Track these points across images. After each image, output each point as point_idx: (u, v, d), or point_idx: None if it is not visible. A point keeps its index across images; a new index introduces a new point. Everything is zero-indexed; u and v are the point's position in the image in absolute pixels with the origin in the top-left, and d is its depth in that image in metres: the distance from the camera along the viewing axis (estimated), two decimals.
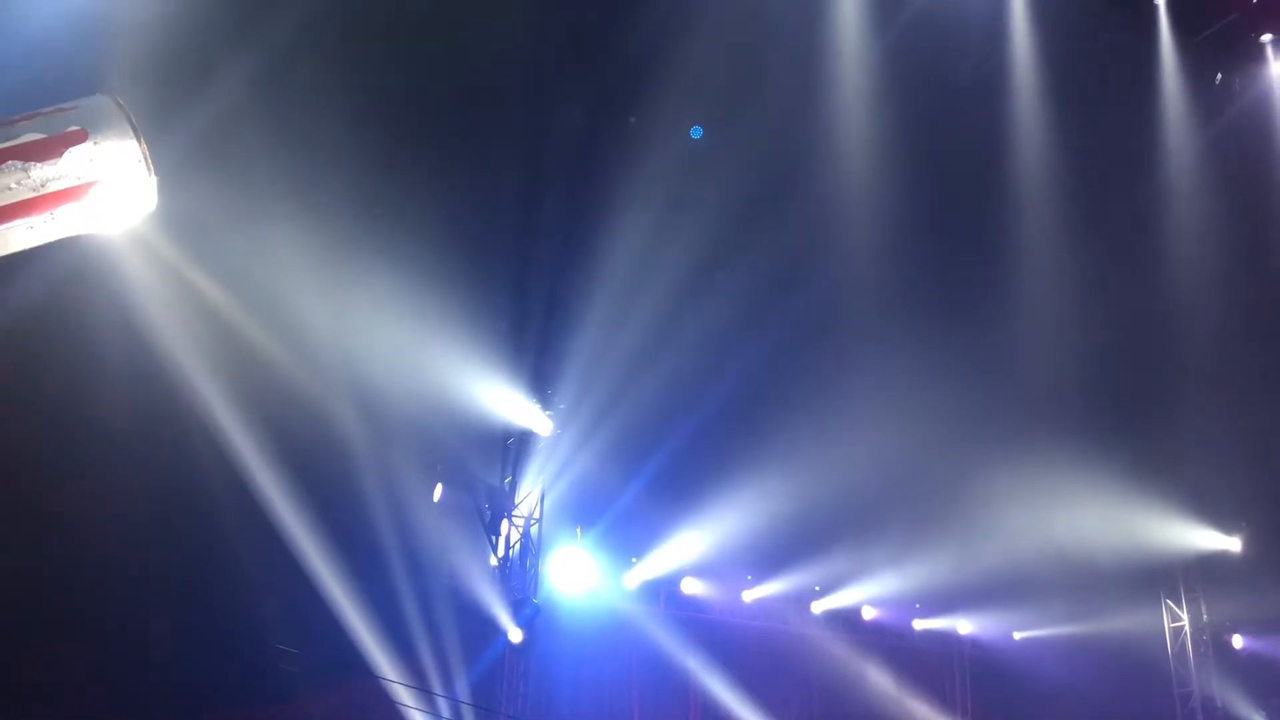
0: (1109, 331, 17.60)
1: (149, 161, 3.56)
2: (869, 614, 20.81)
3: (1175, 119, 17.43)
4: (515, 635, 14.63)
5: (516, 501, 15.34)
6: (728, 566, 18.78)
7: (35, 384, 10.63)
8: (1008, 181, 16.84)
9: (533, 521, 15.40)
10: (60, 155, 3.40)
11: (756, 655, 19.20)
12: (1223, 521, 20.96)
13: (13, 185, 3.33)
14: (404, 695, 12.86)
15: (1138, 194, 17.78)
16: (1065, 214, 16.91)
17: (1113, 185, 17.55)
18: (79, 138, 3.45)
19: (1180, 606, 22.15)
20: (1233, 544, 21.01)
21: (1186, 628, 21.92)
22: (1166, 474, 20.15)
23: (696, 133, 15.11)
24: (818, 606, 20.26)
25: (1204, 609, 21.98)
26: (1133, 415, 19.13)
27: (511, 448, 15.45)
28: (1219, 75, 17.77)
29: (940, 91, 15.95)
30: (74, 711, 11.00)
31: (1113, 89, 16.96)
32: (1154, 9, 16.97)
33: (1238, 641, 21.96)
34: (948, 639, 22.08)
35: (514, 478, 15.38)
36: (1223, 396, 18.63)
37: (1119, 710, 20.76)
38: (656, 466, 16.50)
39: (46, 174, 3.38)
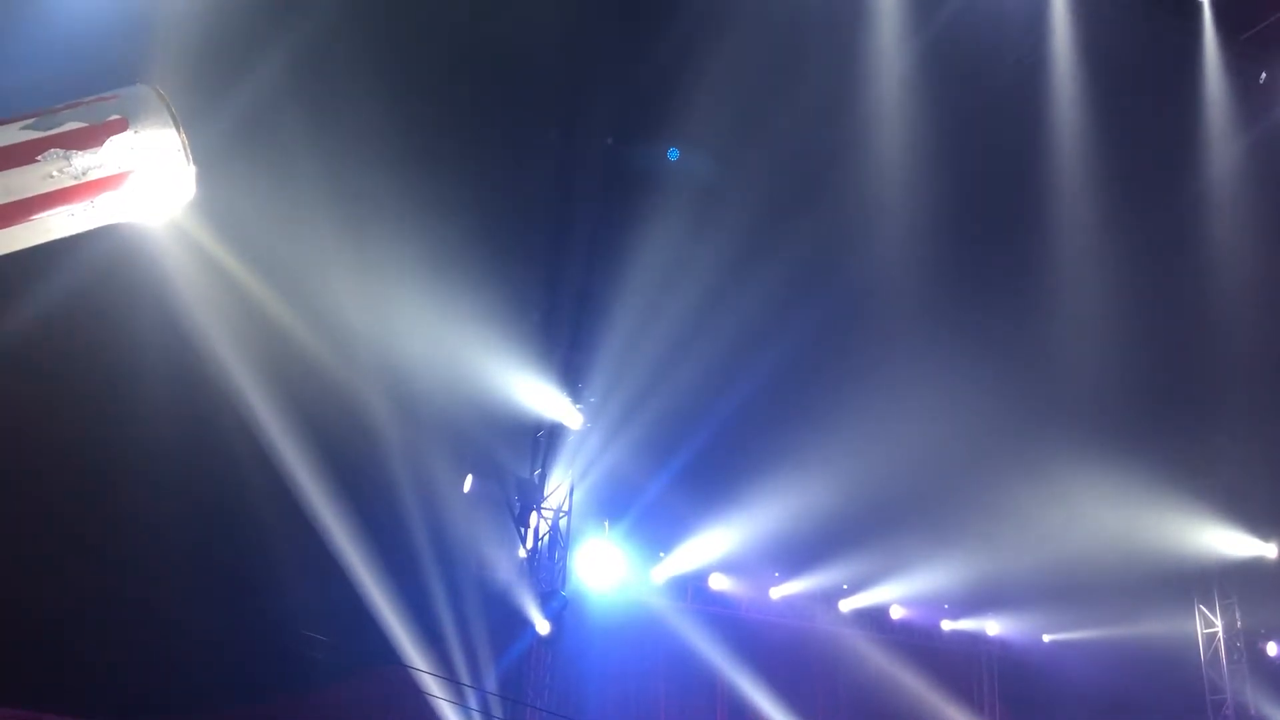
0: (1146, 333, 17.38)
1: (188, 151, 3.58)
2: (897, 613, 20.72)
3: (1217, 117, 17.17)
4: (543, 627, 14.68)
5: (546, 494, 15.38)
6: (755, 563, 18.73)
7: (74, 371, 10.76)
8: (1046, 181, 16.66)
9: (561, 514, 15.44)
10: (101, 144, 3.42)
11: (784, 652, 19.16)
12: (1259, 527, 20.64)
13: (54, 173, 3.35)
14: (432, 685, 12.91)
15: (1178, 194, 17.54)
16: (1104, 214, 16.71)
17: (1153, 185, 17.32)
18: (120, 126, 3.47)
19: (1214, 612, 21.86)
20: (1269, 550, 20.70)
21: (1220, 634, 21.63)
22: (1203, 478, 19.88)
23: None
24: (845, 605, 20.19)
25: (1238, 615, 21.68)
26: (1169, 418, 18.87)
27: (542, 440, 15.49)
28: (1263, 74, 17.48)
29: (979, 89, 15.79)
30: (109, 697, 11.12)
31: (1155, 86, 16.72)
32: (1198, 6, 16.72)
33: (1272, 649, 21.65)
34: (976, 640, 21.95)
35: (544, 470, 15.42)
36: (1261, 401, 18.36)
37: (1149, 717, 20.53)
38: (685, 461, 16.48)
39: (87, 162, 3.40)
